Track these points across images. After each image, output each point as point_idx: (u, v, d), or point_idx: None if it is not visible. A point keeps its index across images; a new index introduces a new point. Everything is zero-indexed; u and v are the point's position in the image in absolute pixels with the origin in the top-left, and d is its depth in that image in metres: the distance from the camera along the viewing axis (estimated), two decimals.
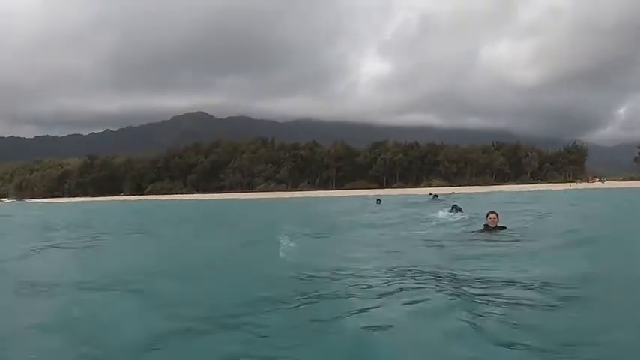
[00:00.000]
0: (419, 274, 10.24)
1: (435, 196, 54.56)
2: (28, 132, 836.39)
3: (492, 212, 17.06)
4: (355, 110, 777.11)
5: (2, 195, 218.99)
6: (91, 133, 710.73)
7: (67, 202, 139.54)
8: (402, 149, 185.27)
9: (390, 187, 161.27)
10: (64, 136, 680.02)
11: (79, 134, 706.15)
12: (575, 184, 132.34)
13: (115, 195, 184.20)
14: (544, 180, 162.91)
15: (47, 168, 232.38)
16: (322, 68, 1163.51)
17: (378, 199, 49.23)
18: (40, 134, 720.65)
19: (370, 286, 8.85)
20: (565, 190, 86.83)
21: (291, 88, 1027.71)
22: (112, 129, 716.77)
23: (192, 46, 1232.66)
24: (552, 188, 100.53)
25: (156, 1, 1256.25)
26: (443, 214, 27.28)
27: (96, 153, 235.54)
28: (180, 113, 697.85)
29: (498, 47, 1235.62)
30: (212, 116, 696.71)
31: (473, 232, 16.99)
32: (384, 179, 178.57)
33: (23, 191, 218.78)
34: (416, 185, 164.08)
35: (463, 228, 18.81)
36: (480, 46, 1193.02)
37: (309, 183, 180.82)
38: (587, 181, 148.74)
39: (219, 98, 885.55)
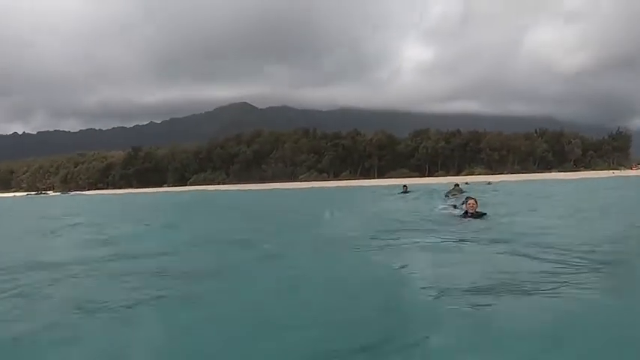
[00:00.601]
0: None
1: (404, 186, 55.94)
2: (72, 125, 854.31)
3: (471, 198, 17.73)
4: (398, 98, 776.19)
5: (48, 188, 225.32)
6: (135, 126, 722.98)
7: (120, 193, 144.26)
8: (444, 137, 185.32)
9: (432, 176, 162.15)
10: (109, 128, 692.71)
11: (123, 127, 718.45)
12: (618, 171, 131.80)
13: (159, 186, 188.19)
14: (587, 167, 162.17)
15: (91, 160, 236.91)
16: (364, 56, 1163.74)
17: (404, 186, 50.95)
18: (85, 127, 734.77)
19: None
20: (609, 177, 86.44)
21: (334, 76, 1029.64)
22: (155, 121, 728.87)
23: (235, 37, 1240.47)
24: (595, 176, 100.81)
25: None
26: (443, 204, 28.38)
27: (140, 145, 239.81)
28: (223, 104, 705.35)
29: (542, 32, 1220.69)
30: (255, 106, 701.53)
31: (454, 216, 17.84)
32: (426, 167, 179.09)
33: (68, 183, 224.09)
34: (458, 173, 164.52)
35: (447, 212, 19.58)
36: (523, 32, 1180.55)
37: (350, 172, 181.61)
38: (631, 168, 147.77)
39: (262, 88, 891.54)
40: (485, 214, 17.05)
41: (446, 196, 32.72)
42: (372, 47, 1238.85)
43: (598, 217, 19.54)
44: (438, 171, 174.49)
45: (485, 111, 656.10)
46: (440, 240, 13.20)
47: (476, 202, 17.19)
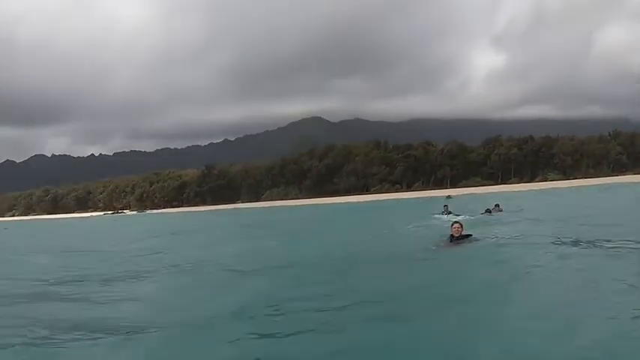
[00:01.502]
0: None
1: (449, 197, 56.28)
2: (148, 145, 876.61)
3: (456, 222, 18.07)
4: (469, 106, 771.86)
5: (124, 207, 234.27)
6: (210, 144, 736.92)
7: (199, 211, 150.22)
8: (516, 143, 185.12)
9: (506, 183, 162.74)
10: (183, 147, 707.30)
11: (197, 145, 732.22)
12: None
13: (232, 203, 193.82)
14: None
15: (166, 179, 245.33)
16: (434, 66, 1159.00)
17: (449, 196, 53.04)
18: (160, 147, 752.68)
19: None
20: None
21: (404, 87, 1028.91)
22: (229, 138, 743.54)
23: (305, 53, 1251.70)
24: None
25: (267, 13, 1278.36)
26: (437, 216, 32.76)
27: (214, 162, 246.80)
28: (296, 119, 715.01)
29: (614, 32, 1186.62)
30: (327, 120, 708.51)
31: (441, 239, 17.96)
32: (499, 175, 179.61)
33: (144, 202, 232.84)
34: (531, 180, 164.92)
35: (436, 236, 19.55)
36: (594, 33, 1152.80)
37: (423, 183, 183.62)
38: None
39: (334, 102, 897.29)
40: (470, 235, 17.49)
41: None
42: (441, 57, 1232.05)
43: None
44: (511, 178, 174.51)
45: (558, 115, 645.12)
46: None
47: (461, 226, 17.52)
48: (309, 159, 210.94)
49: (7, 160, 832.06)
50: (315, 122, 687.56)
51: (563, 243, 16.24)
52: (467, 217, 30.54)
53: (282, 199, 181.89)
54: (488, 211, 34.52)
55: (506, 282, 10.98)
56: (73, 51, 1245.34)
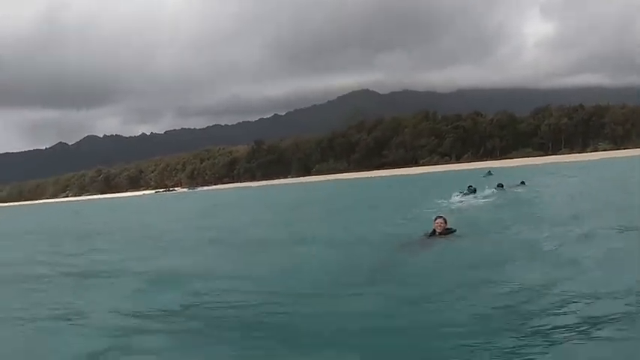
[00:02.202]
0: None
1: (489, 172, 55.19)
2: (199, 123, 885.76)
3: (439, 217, 17.17)
4: (519, 75, 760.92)
5: (175, 184, 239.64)
6: (260, 119, 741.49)
7: (254, 186, 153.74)
8: (566, 113, 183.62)
9: (556, 154, 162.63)
10: (234, 124, 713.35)
11: (247, 121, 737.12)
12: None
13: (283, 177, 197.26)
14: None
15: (217, 156, 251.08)
16: (483, 35, 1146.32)
17: (489, 172, 54.14)
18: (211, 124, 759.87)
19: None
20: None
21: (454, 57, 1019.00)
22: (279, 113, 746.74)
23: (354, 25, 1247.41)
24: None
25: None
26: (456, 197, 30.71)
27: (264, 138, 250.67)
28: (345, 92, 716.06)
29: None
30: (376, 92, 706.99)
31: (423, 236, 16.78)
32: (549, 145, 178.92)
33: (194, 179, 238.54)
34: (582, 150, 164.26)
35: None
36: None
37: (472, 154, 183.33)
38: None
39: (383, 74, 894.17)
40: (454, 231, 16.75)
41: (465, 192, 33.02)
42: (490, 25, 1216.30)
43: None
44: (561, 149, 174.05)
45: (608, 83, 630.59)
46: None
47: (444, 221, 16.79)
48: (357, 132, 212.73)
49: (60, 142, 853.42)
50: (364, 95, 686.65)
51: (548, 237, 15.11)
52: (482, 199, 29.91)
53: (331, 173, 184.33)
54: (500, 185, 34.84)
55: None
56: (121, 31, 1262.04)
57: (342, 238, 19.61)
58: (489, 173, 54.47)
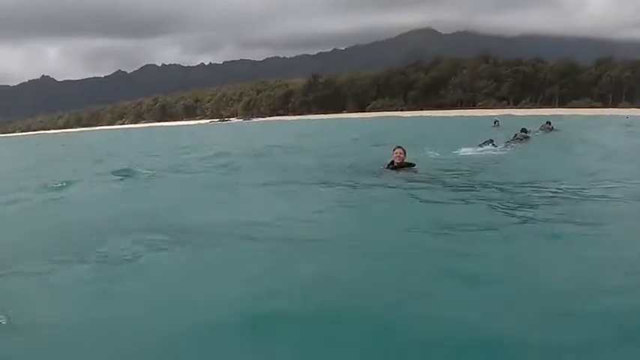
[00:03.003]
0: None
1: (496, 122, 52.80)
2: (258, 54, 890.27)
3: (399, 147, 16.87)
4: (585, 24, 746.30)
5: (231, 115, 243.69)
6: (319, 53, 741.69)
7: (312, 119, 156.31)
8: (630, 66, 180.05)
9: (616, 107, 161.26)
10: (293, 57, 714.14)
11: (307, 54, 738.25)
12: None
13: (338, 112, 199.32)
14: None
15: (273, 88, 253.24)
16: None
17: (495, 121, 54.76)
18: (270, 56, 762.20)
19: None
20: None
21: (521, 0, 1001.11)
22: (339, 48, 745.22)
23: None
24: None
25: None
26: (466, 149, 25.41)
27: (323, 72, 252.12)
28: (406, 30, 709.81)
29: None
30: (438, 32, 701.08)
31: (381, 167, 17.01)
32: (610, 97, 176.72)
33: (250, 110, 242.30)
34: None
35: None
36: None
37: (531, 100, 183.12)
38: None
39: (447, 13, 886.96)
40: (413, 165, 16.58)
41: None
42: None
43: None
44: (622, 102, 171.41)
45: None
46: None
47: (403, 152, 16.66)
48: (415, 71, 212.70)
49: (119, 70, 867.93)
50: (425, 34, 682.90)
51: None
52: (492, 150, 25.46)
53: (387, 110, 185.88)
54: (489, 142, 26.84)
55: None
56: None
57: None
58: (496, 122, 51.90)
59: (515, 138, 29.99)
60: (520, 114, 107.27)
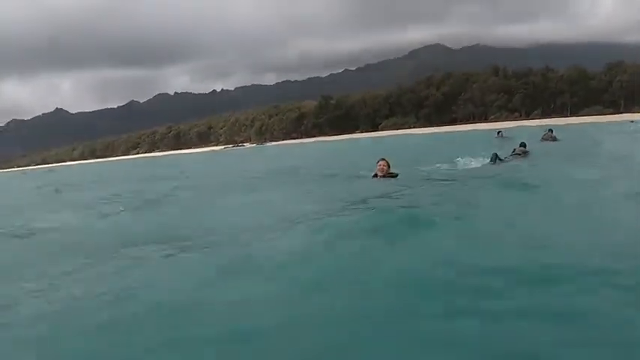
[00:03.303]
0: None
1: (499, 133, 52.26)
2: (269, 79, 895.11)
3: (382, 159, 17.45)
4: (597, 29, 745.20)
5: (244, 140, 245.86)
6: (330, 74, 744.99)
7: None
8: None
9: (630, 112, 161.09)
10: (304, 79, 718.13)
11: (318, 77, 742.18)
12: None
13: (351, 133, 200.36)
14: None
15: (285, 111, 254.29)
16: None
17: (499, 132, 54.65)
18: (281, 80, 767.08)
19: None
20: None
21: (529, 10, 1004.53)
22: (350, 68, 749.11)
23: None
24: None
25: None
26: (462, 160, 25.18)
27: (335, 93, 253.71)
28: (416, 47, 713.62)
29: None
30: (449, 47, 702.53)
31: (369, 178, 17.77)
32: (622, 103, 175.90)
33: (263, 135, 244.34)
34: None
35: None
36: None
37: (542, 110, 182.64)
38: None
39: (456, 28, 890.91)
40: (397, 175, 17.15)
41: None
42: None
43: None
44: (634, 107, 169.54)
45: None
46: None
47: (387, 164, 17.22)
48: (426, 87, 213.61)
49: (132, 100, 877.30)
50: (435, 49, 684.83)
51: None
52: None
53: (399, 128, 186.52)
54: (494, 157, 24.46)
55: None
56: None
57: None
58: (499, 133, 51.57)
59: (514, 153, 28.48)
60: (532, 125, 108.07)
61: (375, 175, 17.09)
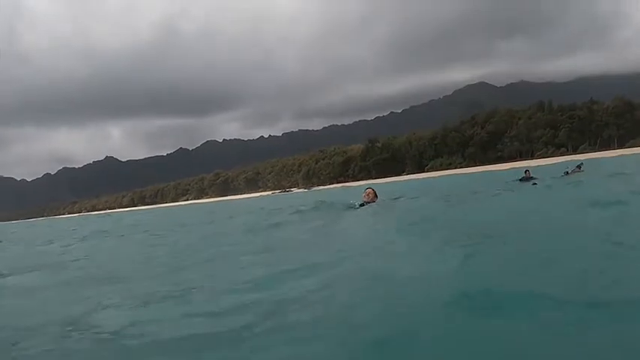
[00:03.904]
0: None
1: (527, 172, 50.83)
2: (316, 124, 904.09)
3: (369, 187, 19.47)
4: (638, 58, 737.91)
5: (292, 185, 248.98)
6: (376, 117, 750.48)
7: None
8: None
9: None
10: (350, 123, 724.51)
11: (364, 120, 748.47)
12: None
13: (398, 175, 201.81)
14: None
15: (332, 156, 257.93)
16: (601, 20, 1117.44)
17: (526, 171, 51.80)
18: (327, 124, 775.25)
19: None
20: None
21: (571, 44, 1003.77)
22: (395, 110, 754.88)
23: (468, 17, 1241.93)
24: None
25: None
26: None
27: (381, 136, 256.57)
28: (460, 86, 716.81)
29: None
30: (492, 85, 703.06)
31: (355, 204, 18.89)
32: None
33: (310, 179, 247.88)
34: None
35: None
36: None
37: (589, 144, 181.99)
38: None
39: (499, 66, 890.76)
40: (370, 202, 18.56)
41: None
42: (608, 9, 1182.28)
43: None
44: None
45: None
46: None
47: (374, 192, 18.85)
48: (471, 126, 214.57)
49: (181, 147, 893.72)
50: (480, 88, 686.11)
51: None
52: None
53: (445, 169, 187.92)
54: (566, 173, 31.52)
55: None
56: (236, 38, 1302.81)
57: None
58: (526, 173, 48.99)
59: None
60: (580, 159, 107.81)
61: (364, 203, 18.40)
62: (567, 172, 32.69)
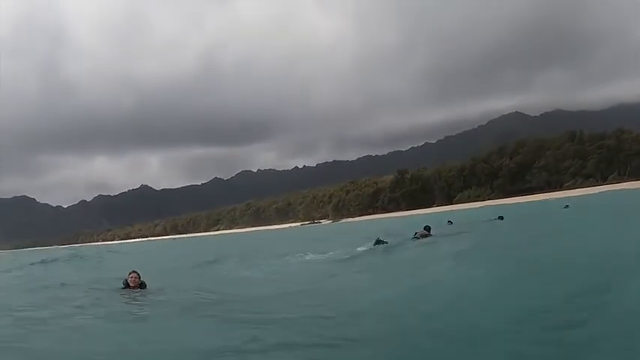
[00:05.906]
0: None
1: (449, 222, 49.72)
2: (351, 154, 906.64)
3: (133, 271, 18.62)
4: None
5: (322, 217, 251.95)
6: (411, 148, 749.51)
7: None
8: None
9: None
10: (385, 153, 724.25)
11: (399, 150, 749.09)
12: None
13: (427, 207, 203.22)
14: None
15: (362, 187, 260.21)
16: (638, 47, 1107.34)
17: (449, 222, 48.79)
18: (362, 155, 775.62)
19: None
20: None
21: (607, 73, 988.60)
22: (430, 141, 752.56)
23: (503, 47, 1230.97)
24: None
25: (462, 10, 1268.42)
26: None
27: (415, 167, 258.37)
28: (495, 116, 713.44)
29: None
30: (527, 115, 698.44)
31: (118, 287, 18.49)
32: None
33: (340, 211, 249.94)
34: None
35: None
36: None
37: (619, 174, 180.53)
38: None
39: (534, 95, 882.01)
40: (145, 286, 18.39)
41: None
42: None
43: None
44: None
45: None
46: None
47: (138, 276, 18.42)
48: (499, 157, 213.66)
49: (216, 177, 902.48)
50: (515, 117, 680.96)
51: None
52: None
53: (474, 201, 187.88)
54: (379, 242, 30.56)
55: None
56: (274, 68, 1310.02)
57: None
58: (449, 223, 48.70)
59: (414, 237, 30.71)
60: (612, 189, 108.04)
61: (127, 285, 18.29)
62: (417, 236, 31.05)
